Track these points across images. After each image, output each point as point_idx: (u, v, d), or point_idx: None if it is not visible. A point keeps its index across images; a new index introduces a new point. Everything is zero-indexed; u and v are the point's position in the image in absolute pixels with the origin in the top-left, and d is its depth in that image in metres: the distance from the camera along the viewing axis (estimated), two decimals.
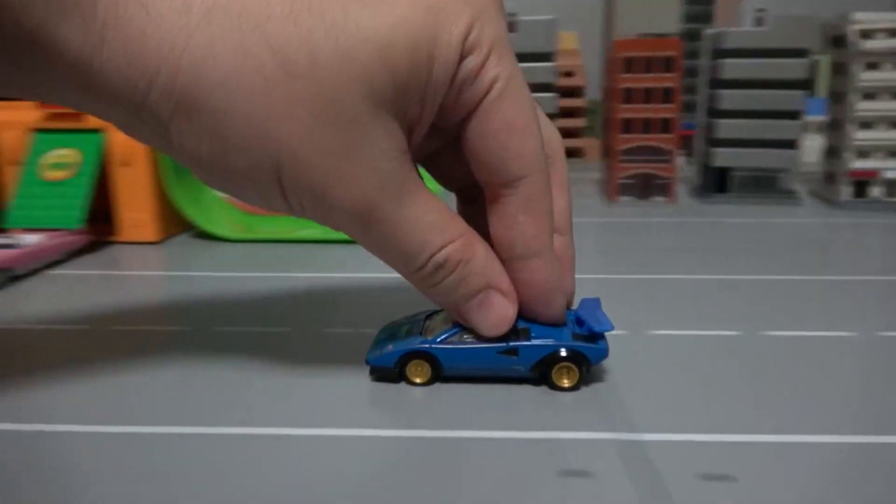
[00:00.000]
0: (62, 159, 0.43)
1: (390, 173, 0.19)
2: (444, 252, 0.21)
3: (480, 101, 0.20)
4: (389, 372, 0.22)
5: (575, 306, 0.24)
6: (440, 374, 0.22)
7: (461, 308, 0.22)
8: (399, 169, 0.20)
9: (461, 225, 0.21)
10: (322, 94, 0.18)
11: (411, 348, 0.22)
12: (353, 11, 0.18)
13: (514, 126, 0.20)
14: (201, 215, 0.45)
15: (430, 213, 0.20)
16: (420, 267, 0.21)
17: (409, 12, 0.18)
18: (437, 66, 0.19)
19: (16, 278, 0.36)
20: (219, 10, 0.18)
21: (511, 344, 0.22)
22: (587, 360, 0.22)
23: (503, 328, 0.22)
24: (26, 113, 0.44)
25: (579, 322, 0.23)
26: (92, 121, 0.43)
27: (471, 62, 0.19)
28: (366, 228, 0.20)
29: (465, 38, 0.19)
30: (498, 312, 0.22)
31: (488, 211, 0.22)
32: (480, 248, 0.21)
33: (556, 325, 0.23)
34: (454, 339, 0.22)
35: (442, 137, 0.22)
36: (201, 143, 0.19)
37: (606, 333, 0.22)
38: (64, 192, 0.42)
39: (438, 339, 0.22)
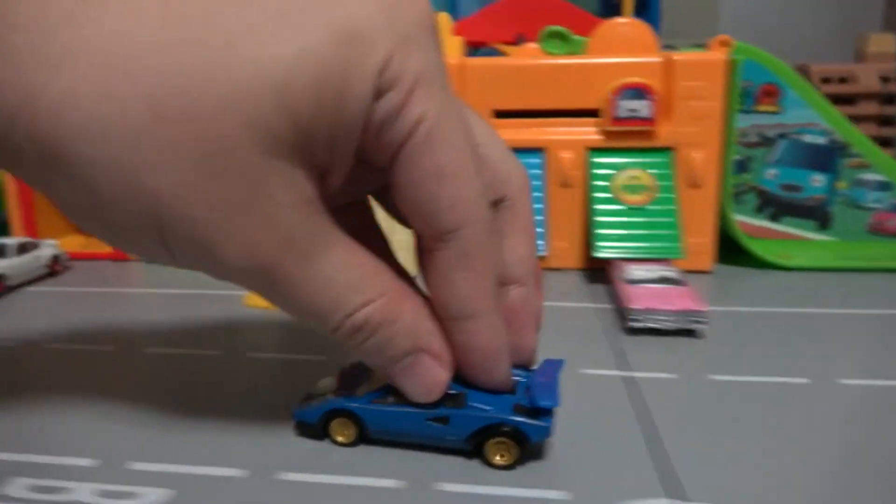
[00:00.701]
0: (634, 181, 0.39)
1: (293, 228, 0.17)
2: (362, 313, 0.18)
3: (403, 145, 0.17)
4: (313, 427, 0.21)
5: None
6: (366, 434, 0.20)
7: (388, 371, 0.20)
8: (305, 222, 0.17)
9: (387, 281, 0.19)
10: (203, 142, 0.16)
11: (334, 406, 0.20)
12: (242, 42, 0.15)
13: (445, 172, 0.18)
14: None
15: (347, 269, 0.18)
16: (335, 328, 0.19)
17: (314, 43, 0.16)
18: (348, 105, 0.16)
19: None
20: (82, 47, 0.15)
21: (442, 411, 0.19)
22: (526, 438, 0.19)
23: (434, 395, 0.20)
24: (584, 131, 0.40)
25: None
26: (661, 138, 0.39)
27: (391, 100, 0.17)
28: (268, 287, 0.18)
29: (383, 71, 0.16)
30: (428, 378, 0.20)
31: (423, 265, 0.20)
32: (408, 307, 0.19)
33: (500, 391, 0.20)
34: (382, 399, 0.20)
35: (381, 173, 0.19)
36: (74, 194, 0.16)
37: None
38: (648, 217, 0.39)
39: (366, 399, 0.20)
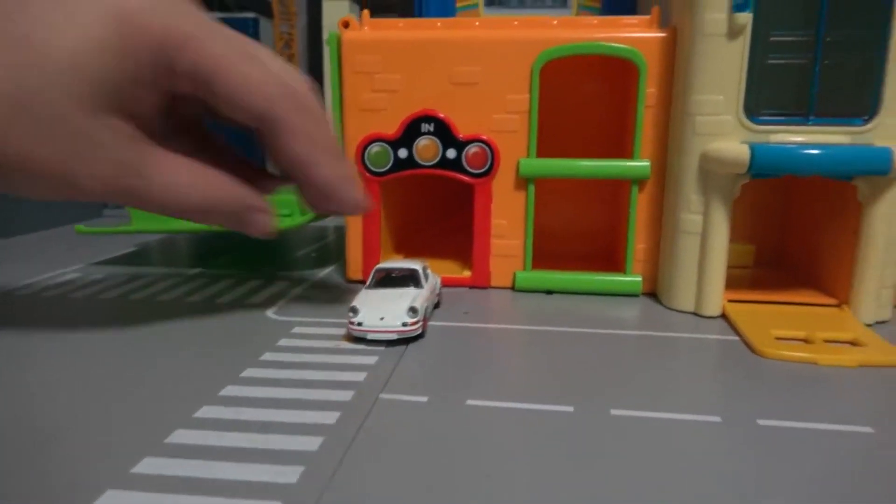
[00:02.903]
0: None
1: (124, 155, 0.24)
2: (200, 197, 0.26)
3: (203, 81, 0.25)
4: None
5: None
6: None
7: (237, 228, 0.29)
8: (133, 150, 0.24)
9: (210, 173, 0.27)
10: (38, 114, 0.22)
11: None
12: (44, 37, 0.22)
13: (243, 84, 0.25)
14: None
15: (178, 172, 0.26)
16: (187, 210, 0.26)
17: (95, 28, 0.23)
18: (137, 67, 0.24)
19: None
20: None
21: None
22: None
23: (266, 233, 0.29)
24: None
25: None
26: None
27: (178, 58, 0.24)
28: (130, 200, 0.25)
29: (162, 42, 0.24)
30: (259, 223, 0.29)
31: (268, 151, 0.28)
32: (233, 185, 0.28)
33: (352, 208, 0.30)
34: None
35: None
36: None
37: None
38: None
39: None
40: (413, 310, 0.29)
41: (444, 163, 0.37)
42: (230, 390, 0.24)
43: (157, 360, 0.27)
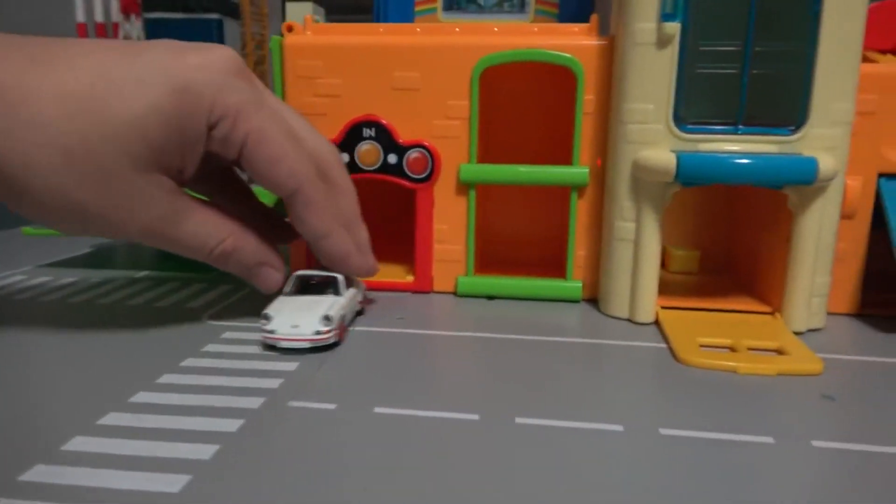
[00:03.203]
0: None
1: (164, 209, 0.28)
2: (220, 247, 0.30)
3: (241, 151, 0.28)
4: None
5: None
6: None
7: (248, 279, 0.32)
8: (172, 203, 0.28)
9: (232, 227, 0.30)
10: (99, 168, 0.26)
11: None
12: (115, 103, 0.26)
13: (275, 159, 0.28)
14: None
15: (205, 224, 0.29)
16: (207, 257, 0.30)
17: (160, 98, 0.26)
18: (187, 133, 0.27)
19: None
20: (25, 123, 0.25)
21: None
22: None
23: (274, 288, 0.32)
24: None
25: None
26: None
27: (221, 128, 0.28)
28: (160, 243, 0.29)
29: (210, 113, 0.27)
30: (269, 280, 0.31)
31: (288, 212, 0.31)
32: (250, 237, 0.31)
33: (362, 274, 0.33)
34: None
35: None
36: (27, 205, 0.27)
37: None
38: None
39: None
40: (327, 318, 0.28)
41: (385, 168, 0.37)
42: (141, 397, 0.24)
43: (76, 364, 0.27)
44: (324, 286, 0.32)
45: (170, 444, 0.20)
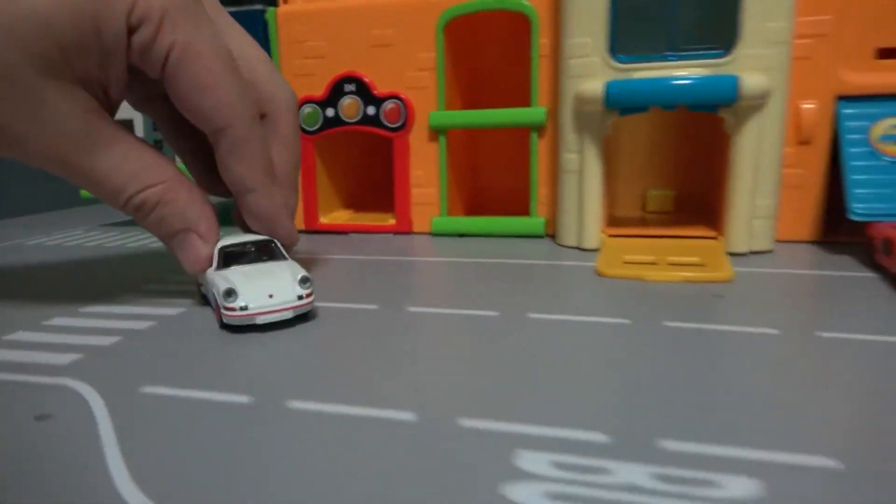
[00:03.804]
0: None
1: (77, 131, 0.22)
2: (140, 196, 0.24)
3: (164, 67, 0.23)
4: None
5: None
6: None
7: (167, 245, 0.25)
8: (86, 126, 0.23)
9: (166, 172, 0.24)
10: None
11: None
12: None
13: (204, 85, 0.23)
14: None
15: (128, 161, 0.23)
16: (122, 206, 0.24)
17: None
18: (105, 38, 0.22)
19: None
20: None
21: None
22: None
23: (199, 267, 0.25)
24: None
25: None
26: None
27: (143, 33, 0.22)
28: (67, 174, 0.23)
29: (130, 12, 0.22)
30: (193, 252, 0.25)
31: (215, 155, 0.26)
32: (183, 194, 0.24)
33: (286, 244, 0.27)
34: None
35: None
36: None
37: None
38: None
39: None
40: (305, 279, 0.24)
41: (365, 119, 0.41)
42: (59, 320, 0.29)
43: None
44: (261, 252, 0.26)
45: None
